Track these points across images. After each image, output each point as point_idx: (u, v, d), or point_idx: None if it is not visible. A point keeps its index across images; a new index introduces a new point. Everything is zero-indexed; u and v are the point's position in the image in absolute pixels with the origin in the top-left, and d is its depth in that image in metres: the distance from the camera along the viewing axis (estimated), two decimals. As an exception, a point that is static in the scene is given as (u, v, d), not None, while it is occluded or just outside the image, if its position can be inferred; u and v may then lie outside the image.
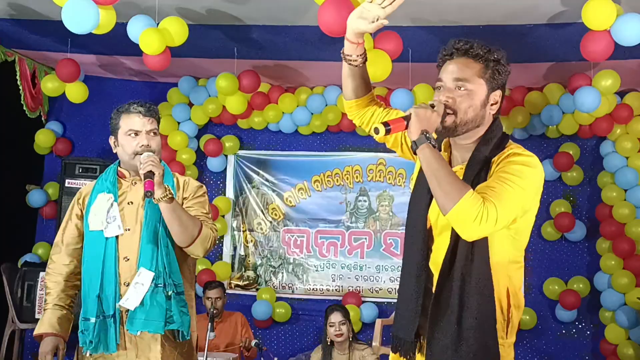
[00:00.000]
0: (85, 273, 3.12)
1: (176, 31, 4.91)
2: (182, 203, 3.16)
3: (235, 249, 7.44)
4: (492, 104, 2.48)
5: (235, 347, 5.73)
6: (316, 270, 7.27)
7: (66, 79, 6.31)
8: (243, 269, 7.40)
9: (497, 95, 2.49)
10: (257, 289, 7.29)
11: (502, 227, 2.30)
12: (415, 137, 2.31)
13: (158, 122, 3.22)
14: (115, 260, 3.06)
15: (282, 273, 7.33)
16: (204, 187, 3.29)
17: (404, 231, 2.65)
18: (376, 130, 2.32)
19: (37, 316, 6.53)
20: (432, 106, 2.36)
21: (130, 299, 2.99)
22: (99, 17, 4.15)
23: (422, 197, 2.48)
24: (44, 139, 7.35)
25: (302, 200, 7.37)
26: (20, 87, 6.79)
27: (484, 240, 2.34)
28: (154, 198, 2.92)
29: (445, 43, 5.26)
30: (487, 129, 2.49)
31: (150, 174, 2.93)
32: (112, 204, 3.11)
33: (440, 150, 2.45)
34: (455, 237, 2.37)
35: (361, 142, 7.27)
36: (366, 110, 2.78)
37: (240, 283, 7.37)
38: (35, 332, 3.18)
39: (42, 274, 6.57)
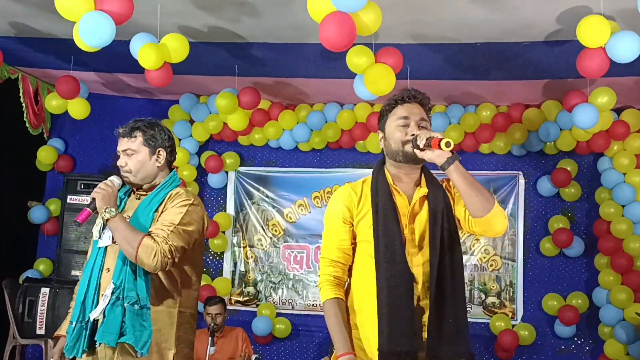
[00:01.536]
0: (81, 279, 3.23)
1: (176, 47, 4.97)
2: (161, 214, 3.21)
3: (235, 264, 7.48)
4: None
5: (236, 362, 5.76)
6: (316, 286, 7.27)
7: (66, 96, 6.37)
8: (243, 285, 7.44)
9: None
10: (257, 305, 7.33)
11: None
12: (450, 155, 2.68)
13: (144, 139, 3.27)
14: (99, 270, 3.16)
15: (282, 289, 7.37)
16: (191, 201, 3.23)
17: None
18: (447, 144, 2.64)
19: (38, 332, 6.56)
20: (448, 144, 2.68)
21: (96, 310, 3.09)
22: (114, 31, 4.22)
23: (393, 224, 2.77)
24: (46, 156, 7.41)
25: (302, 216, 7.42)
26: (23, 105, 6.86)
27: (460, 249, 2.88)
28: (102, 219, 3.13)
29: (443, 60, 5.44)
30: None
31: (92, 202, 3.09)
32: None
33: None
34: (438, 249, 2.78)
35: (360, 159, 7.33)
36: None
37: (241, 299, 7.40)
38: (55, 334, 3.35)
39: (43, 289, 6.62)
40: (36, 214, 7.39)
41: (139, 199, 3.28)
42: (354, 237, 2.92)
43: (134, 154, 3.23)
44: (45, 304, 6.58)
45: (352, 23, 4.03)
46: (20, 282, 6.92)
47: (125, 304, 3.04)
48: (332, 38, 4.10)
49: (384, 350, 2.74)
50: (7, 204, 7.41)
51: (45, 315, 6.57)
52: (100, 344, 3.07)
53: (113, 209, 3.06)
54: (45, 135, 7.46)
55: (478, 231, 2.84)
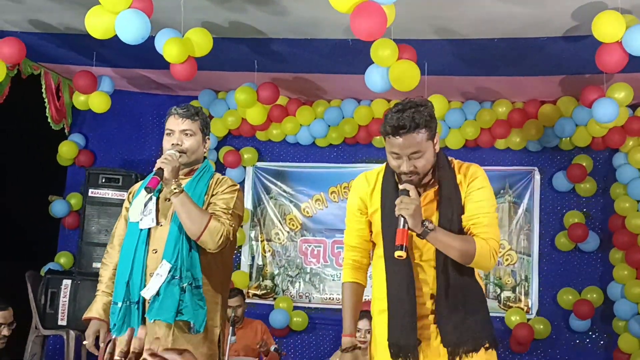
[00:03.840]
0: (120, 260, 3.30)
1: (199, 41, 5.07)
2: (212, 197, 3.30)
3: (253, 258, 7.57)
4: (435, 145, 2.90)
5: (255, 353, 5.84)
6: (333, 280, 7.38)
7: (84, 91, 6.51)
8: (261, 279, 7.53)
9: (437, 137, 2.91)
10: (275, 298, 7.42)
11: None
12: (420, 231, 2.73)
13: (202, 125, 3.37)
14: (144, 251, 3.23)
15: (299, 282, 7.45)
16: (237, 186, 3.39)
17: None
18: (400, 257, 2.70)
19: (59, 323, 6.69)
20: (407, 191, 2.76)
21: (149, 289, 3.16)
22: (149, 27, 4.35)
23: (395, 220, 2.79)
24: (67, 151, 7.53)
25: (319, 210, 7.51)
26: (46, 100, 6.98)
27: None
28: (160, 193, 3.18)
29: (460, 56, 5.45)
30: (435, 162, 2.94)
31: (159, 171, 3.11)
32: (150, 198, 3.28)
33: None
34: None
35: (377, 154, 7.41)
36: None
37: (258, 292, 7.50)
38: (84, 317, 3.39)
39: (65, 281, 6.74)
40: (57, 208, 7.51)
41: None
42: (371, 225, 3.05)
43: (193, 136, 3.33)
44: (67, 296, 6.70)
45: (383, 12, 4.09)
46: (43, 274, 7.04)
47: (183, 284, 3.13)
48: (365, 27, 4.14)
49: (392, 342, 2.88)
50: (29, 198, 7.54)
51: (67, 306, 6.69)
52: (153, 320, 3.15)
53: (180, 183, 3.14)
54: (66, 131, 7.56)
55: None
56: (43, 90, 6.92)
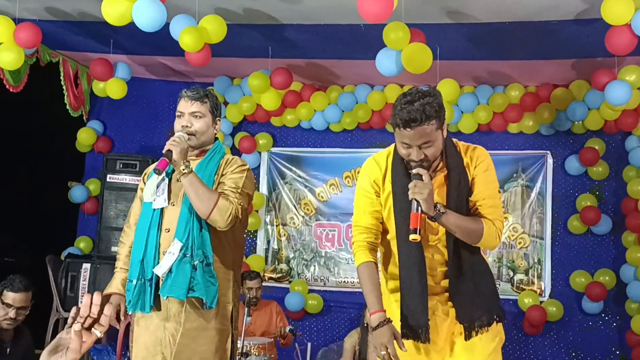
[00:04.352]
0: (135, 239, 3.40)
1: (215, 29, 5.16)
2: (221, 177, 3.39)
3: (268, 242, 7.68)
4: (443, 132, 2.94)
5: (271, 334, 5.95)
6: (347, 263, 7.48)
7: (100, 78, 6.65)
8: (276, 262, 7.64)
9: (445, 124, 2.94)
10: (290, 282, 7.53)
11: None
12: (432, 214, 2.81)
13: (211, 107, 3.45)
14: (157, 230, 3.33)
15: (314, 266, 7.56)
16: (247, 166, 3.47)
17: None
18: (414, 240, 2.79)
19: (80, 305, 6.82)
20: (420, 176, 2.81)
21: (162, 266, 3.26)
22: (165, 14, 4.45)
23: (407, 203, 2.86)
24: (85, 137, 7.65)
25: (334, 195, 7.59)
26: (64, 87, 7.09)
27: None
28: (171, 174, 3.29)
29: (472, 40, 5.44)
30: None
31: (168, 153, 3.20)
32: (163, 179, 3.38)
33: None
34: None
35: (391, 139, 7.34)
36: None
37: (274, 276, 7.61)
38: (104, 293, 3.49)
39: (85, 265, 6.88)
40: (76, 193, 7.63)
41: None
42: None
43: (202, 117, 3.41)
44: (87, 279, 6.85)
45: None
46: (63, 258, 7.18)
47: (195, 262, 3.22)
48: (372, 8, 4.19)
49: (404, 322, 2.99)
50: (49, 184, 7.68)
51: (86, 289, 6.84)
52: (166, 297, 3.26)
53: (189, 164, 3.22)
54: (84, 118, 7.68)
55: None
56: (61, 77, 7.03)
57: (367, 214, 3.09)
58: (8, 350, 4.15)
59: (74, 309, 1.67)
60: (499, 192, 3.07)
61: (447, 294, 3.01)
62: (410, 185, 2.80)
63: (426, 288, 2.95)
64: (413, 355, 3.02)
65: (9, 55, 5.60)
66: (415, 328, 2.94)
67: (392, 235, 3.06)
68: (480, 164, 3.01)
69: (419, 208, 2.76)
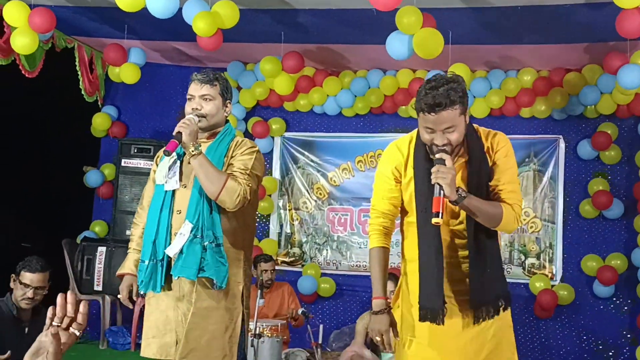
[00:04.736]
0: (147, 221, 3.47)
1: (228, 14, 5.21)
2: (231, 159, 3.45)
3: (281, 226, 7.75)
4: (466, 118, 2.99)
5: (283, 316, 6.02)
6: (359, 248, 7.54)
7: (113, 63, 6.73)
8: (289, 246, 7.71)
9: (467, 111, 3.00)
10: (303, 265, 7.60)
11: None
12: (455, 198, 2.85)
13: (221, 89, 3.49)
14: (169, 212, 3.39)
15: (327, 250, 7.62)
16: (256, 148, 3.52)
17: None
18: (437, 223, 2.84)
19: (95, 288, 6.94)
20: (443, 160, 2.86)
21: (173, 247, 3.32)
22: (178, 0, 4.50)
23: (428, 188, 2.92)
24: (100, 122, 7.73)
25: (346, 180, 7.64)
26: (79, 73, 7.17)
27: None
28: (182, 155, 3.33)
29: (484, 25, 5.43)
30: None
31: (178, 135, 3.24)
32: (174, 161, 3.43)
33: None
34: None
35: (403, 124, 7.51)
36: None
37: (287, 259, 7.69)
38: (117, 273, 3.59)
39: (100, 248, 6.98)
40: (91, 178, 7.72)
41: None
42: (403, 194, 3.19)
43: (213, 100, 3.45)
44: (102, 262, 6.95)
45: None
46: (78, 242, 7.28)
47: (205, 243, 3.28)
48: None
49: (421, 304, 3.04)
50: (64, 169, 7.77)
51: (102, 272, 6.94)
52: (178, 277, 3.32)
53: (199, 146, 3.27)
54: (99, 103, 7.76)
55: None
56: (77, 63, 7.11)
57: (385, 199, 3.17)
58: (27, 330, 4.23)
59: (50, 310, 1.67)
60: (518, 177, 3.14)
61: (465, 279, 3.06)
62: (433, 169, 2.85)
63: (442, 271, 3.01)
64: (430, 339, 3.07)
65: (23, 39, 5.68)
66: (432, 311, 3.00)
67: (412, 220, 3.12)
68: (501, 149, 3.07)
69: (442, 192, 2.81)
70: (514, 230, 3.13)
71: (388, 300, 3.13)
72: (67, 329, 1.66)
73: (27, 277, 4.20)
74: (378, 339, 3.05)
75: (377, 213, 3.18)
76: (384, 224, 3.16)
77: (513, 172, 3.06)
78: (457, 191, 2.85)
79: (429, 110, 2.85)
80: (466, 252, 3.05)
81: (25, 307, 4.22)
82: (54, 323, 1.65)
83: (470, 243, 3.03)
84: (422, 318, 3.03)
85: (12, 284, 4.23)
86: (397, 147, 3.17)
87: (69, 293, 1.70)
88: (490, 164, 3.05)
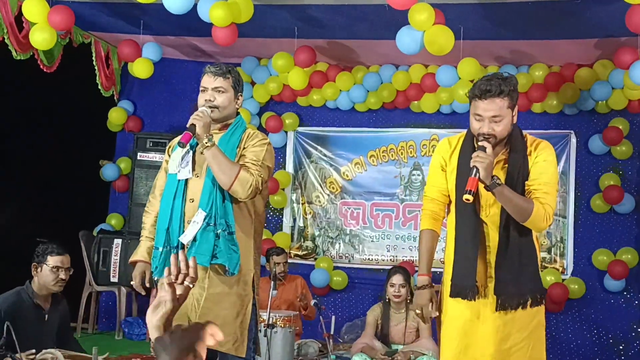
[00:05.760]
0: (160, 209, 3.57)
1: (242, 7, 5.30)
2: (243, 150, 3.53)
3: (294, 220, 7.84)
4: (514, 117, 3.23)
5: (296, 307, 6.10)
6: (372, 241, 7.61)
7: (127, 58, 6.85)
8: (302, 240, 7.80)
9: (516, 109, 3.23)
10: (316, 259, 7.69)
11: None
12: (489, 183, 3.04)
13: (233, 82, 3.58)
14: (182, 200, 3.48)
15: (339, 243, 7.70)
16: (267, 140, 3.61)
17: None
18: (467, 200, 3.01)
19: (111, 280, 7.06)
20: (484, 148, 3.07)
21: (187, 235, 3.41)
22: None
23: (468, 174, 3.10)
24: (116, 117, 7.84)
25: (359, 174, 7.72)
26: (96, 68, 7.28)
27: None
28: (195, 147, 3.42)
29: (496, 20, 5.52)
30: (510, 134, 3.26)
31: (192, 127, 3.34)
32: (187, 151, 3.52)
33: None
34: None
35: (415, 119, 7.57)
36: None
37: (300, 253, 7.77)
38: (130, 260, 3.69)
39: (116, 241, 7.10)
40: (108, 172, 7.84)
41: (212, 135, 3.59)
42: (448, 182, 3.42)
43: (225, 92, 3.54)
44: (118, 254, 7.07)
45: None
46: (95, 234, 7.40)
47: (218, 231, 3.38)
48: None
49: (453, 282, 3.29)
50: (81, 163, 7.88)
51: (118, 264, 7.06)
52: None
53: (212, 137, 3.37)
54: (115, 97, 7.87)
55: None
56: (93, 58, 7.22)
57: (434, 187, 3.43)
58: (46, 317, 4.34)
59: (165, 270, 1.85)
60: (558, 185, 3.36)
61: (493, 270, 3.23)
62: (474, 154, 3.06)
63: (476, 254, 3.21)
64: (464, 318, 3.27)
65: (42, 35, 5.80)
66: (463, 288, 3.22)
67: (453, 206, 3.36)
68: (543, 153, 3.25)
69: (477, 174, 3.00)
70: (543, 230, 3.41)
71: (430, 277, 3.36)
72: (181, 282, 1.83)
73: (57, 259, 4.30)
74: (418, 311, 3.32)
75: (427, 199, 3.46)
76: (433, 209, 3.42)
77: (551, 177, 3.23)
78: (492, 178, 3.03)
79: (480, 95, 3.11)
80: (496, 246, 3.23)
81: (59, 290, 4.33)
82: (169, 278, 1.82)
83: (500, 232, 3.21)
84: (453, 294, 3.26)
85: (34, 273, 4.31)
86: (448, 141, 3.45)
87: (180, 252, 1.90)
88: (530, 165, 3.23)
